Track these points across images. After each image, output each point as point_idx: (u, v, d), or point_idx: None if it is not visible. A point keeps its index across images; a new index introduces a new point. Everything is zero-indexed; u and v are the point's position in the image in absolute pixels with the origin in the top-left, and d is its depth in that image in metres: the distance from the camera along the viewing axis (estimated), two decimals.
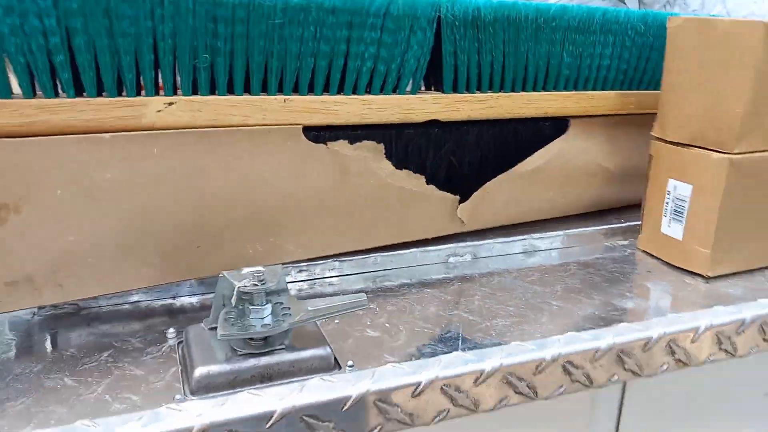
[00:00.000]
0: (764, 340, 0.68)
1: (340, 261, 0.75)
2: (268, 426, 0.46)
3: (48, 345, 0.60)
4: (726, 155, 0.74)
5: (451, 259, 0.82)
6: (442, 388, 0.51)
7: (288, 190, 0.68)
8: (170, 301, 0.69)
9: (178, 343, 0.60)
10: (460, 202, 0.81)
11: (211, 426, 0.44)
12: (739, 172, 0.75)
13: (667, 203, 0.82)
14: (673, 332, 0.62)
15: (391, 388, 0.49)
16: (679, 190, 0.80)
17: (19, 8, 0.52)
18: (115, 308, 0.67)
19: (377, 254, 0.77)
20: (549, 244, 0.87)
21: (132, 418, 0.44)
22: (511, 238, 0.85)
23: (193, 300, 0.70)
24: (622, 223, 0.93)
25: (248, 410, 0.46)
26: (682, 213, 0.80)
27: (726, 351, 0.66)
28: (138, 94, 0.60)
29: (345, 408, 0.48)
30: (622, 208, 0.98)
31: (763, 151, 0.76)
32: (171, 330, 0.62)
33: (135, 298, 0.68)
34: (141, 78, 0.60)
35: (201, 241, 0.64)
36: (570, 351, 0.56)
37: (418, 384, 0.50)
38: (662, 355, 0.62)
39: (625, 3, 1.09)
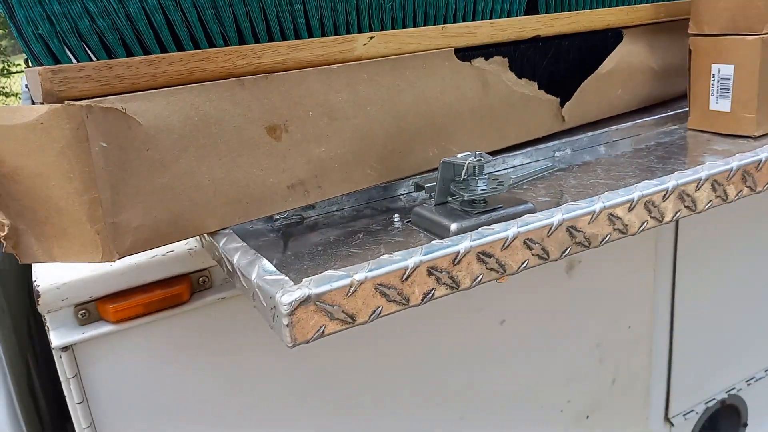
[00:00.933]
0: None
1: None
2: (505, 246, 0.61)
3: (311, 237, 0.75)
4: (758, 36, 0.96)
5: (557, 154, 1.01)
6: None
7: (449, 102, 0.86)
8: (365, 209, 0.84)
9: (406, 222, 0.77)
10: (562, 103, 1.00)
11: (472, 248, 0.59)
12: None
13: (713, 84, 1.04)
14: (745, 163, 0.81)
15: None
16: (722, 71, 1.02)
17: None
18: (328, 216, 0.83)
19: (505, 155, 0.95)
20: (624, 135, 1.07)
21: (420, 250, 0.58)
22: (594, 132, 1.05)
23: (380, 206, 0.85)
24: (669, 112, 1.14)
25: (495, 237, 0.61)
26: (728, 89, 1.02)
27: None
28: (350, 33, 0.76)
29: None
30: (666, 103, 1.19)
31: None
32: (396, 215, 0.78)
33: (338, 207, 0.84)
34: (349, 21, 0.76)
35: (402, 147, 0.81)
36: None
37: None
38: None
39: None
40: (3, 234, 0.56)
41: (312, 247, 0.71)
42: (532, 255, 0.63)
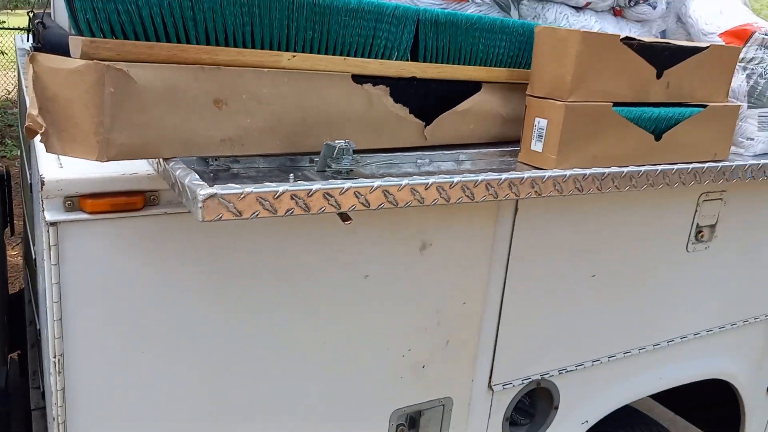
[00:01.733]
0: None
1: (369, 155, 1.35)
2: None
3: (231, 178, 1.14)
4: (563, 102, 1.42)
5: (419, 161, 1.44)
6: None
7: (343, 108, 1.27)
8: (274, 170, 1.25)
9: (296, 180, 1.17)
10: (425, 126, 1.43)
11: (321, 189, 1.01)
12: (570, 111, 1.42)
13: (534, 131, 1.49)
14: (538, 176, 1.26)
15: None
16: (540, 123, 1.47)
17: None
18: (248, 169, 1.22)
19: (383, 154, 1.37)
20: (472, 156, 1.51)
21: (288, 184, 1.00)
22: (450, 152, 1.48)
23: (284, 169, 1.25)
24: (511, 148, 1.59)
25: (336, 186, 1.03)
26: (542, 136, 1.47)
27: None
28: (280, 49, 1.17)
29: None
30: (516, 142, 1.63)
31: (584, 101, 1.44)
32: (291, 175, 1.19)
33: (257, 164, 1.24)
34: (281, 43, 1.17)
35: (304, 131, 1.22)
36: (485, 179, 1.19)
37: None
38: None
39: (510, 15, 1.76)
40: (41, 131, 0.94)
41: (229, 181, 1.11)
42: (359, 202, 1.05)
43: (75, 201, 1.13)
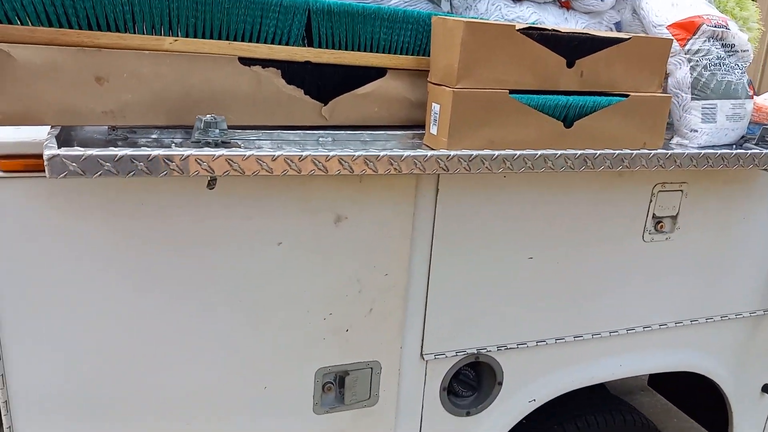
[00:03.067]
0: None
1: (260, 132, 1.49)
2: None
3: (121, 143, 1.32)
4: (452, 89, 1.50)
5: (320, 139, 1.57)
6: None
7: (229, 88, 1.42)
8: (163, 139, 1.41)
9: (177, 144, 1.33)
10: (324, 106, 1.55)
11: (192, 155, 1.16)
12: (458, 98, 1.50)
13: (432, 116, 1.57)
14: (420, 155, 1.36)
15: None
16: (435, 108, 1.56)
17: None
18: (144, 138, 1.40)
19: (280, 131, 1.51)
20: (377, 138, 1.61)
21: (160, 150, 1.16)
22: (354, 132, 1.59)
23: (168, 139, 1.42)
24: (418, 131, 1.68)
25: (203, 153, 1.18)
26: (437, 120, 1.55)
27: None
28: (163, 34, 1.33)
29: None
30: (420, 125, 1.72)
31: (474, 88, 1.51)
32: (173, 144, 1.35)
33: (154, 135, 1.41)
34: (163, 27, 1.33)
35: (186, 106, 1.37)
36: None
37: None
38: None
39: (440, 6, 1.83)
40: None
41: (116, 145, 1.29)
42: (233, 169, 1.19)
43: None
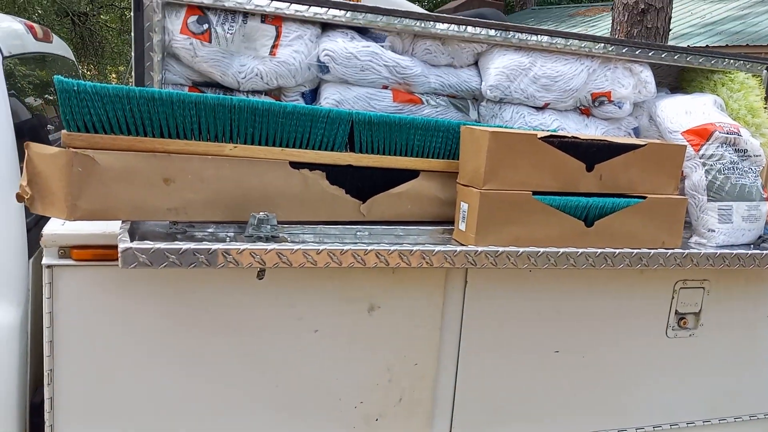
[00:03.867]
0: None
1: (304, 226, 1.64)
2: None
3: (180, 237, 1.48)
4: (478, 190, 1.64)
5: (358, 233, 1.71)
6: None
7: (281, 188, 1.58)
8: (219, 233, 1.57)
9: (231, 238, 1.48)
10: (362, 203, 1.70)
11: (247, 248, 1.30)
12: (485, 198, 1.64)
13: (461, 213, 1.71)
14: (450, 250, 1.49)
15: None
16: (463, 207, 1.69)
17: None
18: (201, 232, 1.55)
19: (322, 225, 1.65)
20: (410, 232, 1.75)
21: (220, 244, 1.31)
22: (388, 227, 1.74)
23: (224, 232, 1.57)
24: (447, 226, 1.81)
25: (260, 247, 1.32)
26: (465, 218, 1.69)
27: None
28: (224, 141, 1.51)
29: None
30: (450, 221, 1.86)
31: (499, 190, 1.65)
32: (227, 238, 1.50)
33: (210, 229, 1.57)
34: (225, 135, 1.51)
35: (242, 204, 1.53)
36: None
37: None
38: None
39: (468, 115, 2.01)
40: (27, 197, 1.33)
41: (175, 238, 1.44)
42: (282, 261, 1.33)
43: (66, 250, 1.51)
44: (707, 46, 9.20)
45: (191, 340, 1.61)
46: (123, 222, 1.42)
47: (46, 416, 1.59)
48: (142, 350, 1.59)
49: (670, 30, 5.97)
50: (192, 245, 1.29)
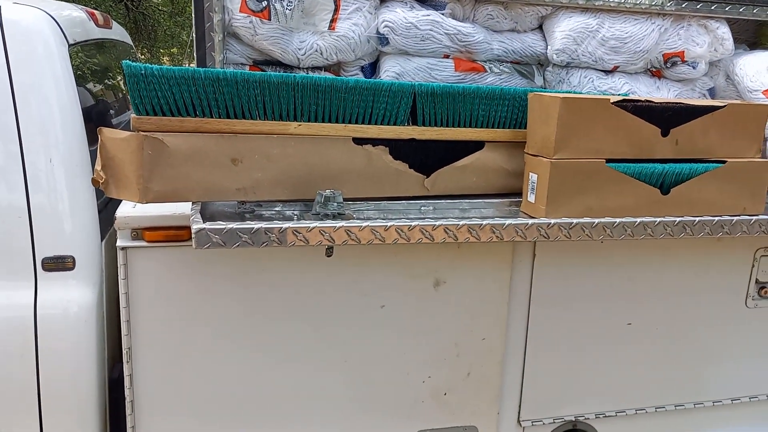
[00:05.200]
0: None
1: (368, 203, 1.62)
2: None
3: (248, 216, 1.48)
4: (549, 159, 1.58)
5: (422, 209, 1.68)
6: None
7: (344, 165, 1.56)
8: (285, 211, 1.57)
9: (297, 220, 1.48)
10: (426, 178, 1.67)
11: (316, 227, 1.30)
12: (555, 168, 1.58)
13: (530, 184, 1.66)
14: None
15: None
16: (533, 178, 1.64)
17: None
18: (268, 211, 1.56)
19: (386, 201, 1.63)
20: (475, 206, 1.71)
21: (288, 222, 1.30)
22: (453, 201, 1.70)
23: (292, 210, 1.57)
24: (516, 199, 1.76)
25: (326, 224, 1.32)
26: (534, 189, 1.64)
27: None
28: (288, 119, 1.50)
29: None
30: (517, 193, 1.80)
31: (569, 158, 1.59)
32: (295, 216, 1.50)
33: (277, 208, 1.57)
34: (289, 114, 1.50)
35: (308, 182, 1.53)
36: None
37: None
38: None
39: (534, 81, 1.94)
40: (102, 181, 1.35)
41: (244, 217, 1.45)
42: (350, 239, 1.32)
43: (138, 232, 1.54)
44: None
45: (260, 318, 1.63)
46: (194, 203, 1.43)
47: (126, 392, 1.64)
48: (213, 328, 1.61)
49: None
50: (263, 224, 1.29)
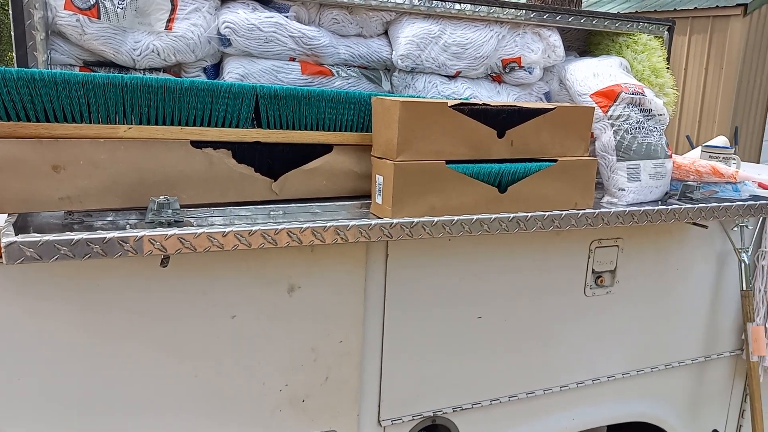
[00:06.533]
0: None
1: (212, 209, 1.57)
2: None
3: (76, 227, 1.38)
4: (392, 161, 1.61)
5: (272, 213, 1.65)
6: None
7: (182, 170, 1.50)
8: (120, 221, 1.48)
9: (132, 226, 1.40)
10: (274, 182, 1.65)
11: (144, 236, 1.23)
12: (399, 169, 1.61)
13: (377, 186, 1.68)
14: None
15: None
16: (379, 179, 1.66)
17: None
18: (99, 221, 1.46)
19: (232, 207, 1.59)
20: (326, 209, 1.71)
21: (113, 233, 1.23)
22: (304, 205, 1.69)
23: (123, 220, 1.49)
24: (364, 200, 1.78)
25: (158, 233, 1.25)
26: (381, 190, 1.66)
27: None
28: (117, 123, 1.42)
29: None
30: (367, 195, 1.82)
31: (413, 160, 1.63)
32: (128, 225, 1.42)
33: (110, 217, 1.47)
34: (117, 117, 1.42)
35: (141, 189, 1.45)
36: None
37: None
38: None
39: (381, 86, 1.98)
40: None
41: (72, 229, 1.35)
42: (185, 247, 1.26)
43: None
44: (618, 12, 9.49)
45: (101, 339, 1.52)
46: (9, 215, 1.32)
47: None
48: (46, 358, 1.48)
49: None
50: (85, 235, 1.20)
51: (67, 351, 1.50)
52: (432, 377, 2.02)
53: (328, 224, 1.50)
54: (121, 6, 1.60)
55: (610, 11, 9.33)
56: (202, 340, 1.66)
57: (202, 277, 1.61)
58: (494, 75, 2.13)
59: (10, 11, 1.53)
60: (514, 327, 2.09)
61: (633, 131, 2.03)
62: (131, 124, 1.43)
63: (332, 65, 1.91)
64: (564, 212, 1.78)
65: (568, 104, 2.02)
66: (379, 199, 1.67)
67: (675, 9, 9.15)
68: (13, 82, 1.30)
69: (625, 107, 2.04)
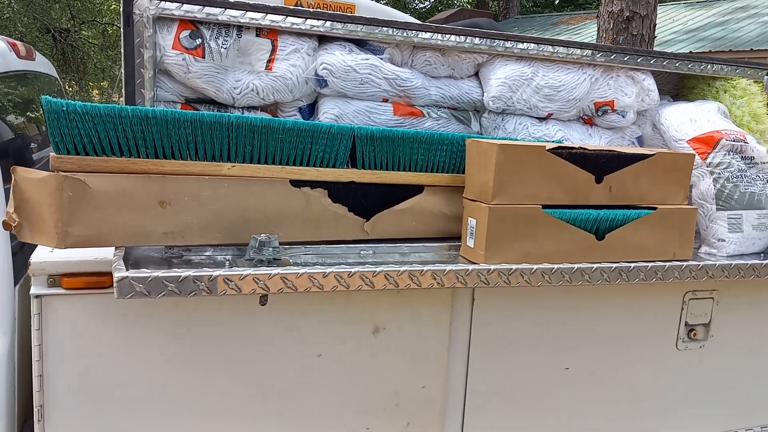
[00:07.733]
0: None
1: (306, 247, 1.57)
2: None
3: (176, 262, 1.40)
4: (487, 205, 1.58)
5: (362, 253, 1.64)
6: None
7: (281, 208, 1.51)
8: (217, 257, 1.49)
9: (229, 266, 1.41)
10: (365, 221, 1.63)
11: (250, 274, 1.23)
12: (494, 213, 1.58)
13: (468, 229, 1.65)
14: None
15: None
16: (471, 222, 1.63)
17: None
18: (198, 256, 1.48)
19: (324, 245, 1.58)
20: (413, 250, 1.68)
21: (219, 271, 1.23)
22: (395, 245, 1.67)
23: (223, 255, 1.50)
24: (453, 242, 1.75)
25: (259, 272, 1.25)
26: (473, 234, 1.63)
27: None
28: (222, 160, 1.44)
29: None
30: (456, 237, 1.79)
31: (508, 204, 1.59)
32: (227, 262, 1.42)
33: (208, 252, 1.49)
34: (222, 155, 1.44)
35: (241, 225, 1.46)
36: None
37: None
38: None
39: (470, 126, 1.96)
40: (14, 225, 1.24)
41: (171, 263, 1.36)
42: (287, 286, 1.26)
43: (55, 279, 1.43)
44: (691, 52, 9.28)
45: (192, 371, 1.53)
46: (117, 248, 1.34)
47: None
48: (141, 385, 1.50)
49: (655, 37, 5.99)
50: (192, 272, 1.21)
51: (158, 382, 1.51)
52: (515, 428, 1.94)
53: (425, 268, 1.48)
54: (224, 46, 1.64)
55: (682, 51, 9.13)
56: (288, 377, 1.64)
57: (290, 315, 1.60)
58: (586, 117, 2.09)
59: (122, 49, 1.59)
60: (602, 379, 2.00)
61: (734, 179, 1.93)
62: (235, 162, 1.45)
63: (423, 106, 1.90)
64: (667, 263, 1.70)
65: (668, 150, 1.95)
66: (470, 243, 1.64)
67: (752, 49, 8.87)
68: (128, 119, 1.34)
69: (725, 154, 1.95)
